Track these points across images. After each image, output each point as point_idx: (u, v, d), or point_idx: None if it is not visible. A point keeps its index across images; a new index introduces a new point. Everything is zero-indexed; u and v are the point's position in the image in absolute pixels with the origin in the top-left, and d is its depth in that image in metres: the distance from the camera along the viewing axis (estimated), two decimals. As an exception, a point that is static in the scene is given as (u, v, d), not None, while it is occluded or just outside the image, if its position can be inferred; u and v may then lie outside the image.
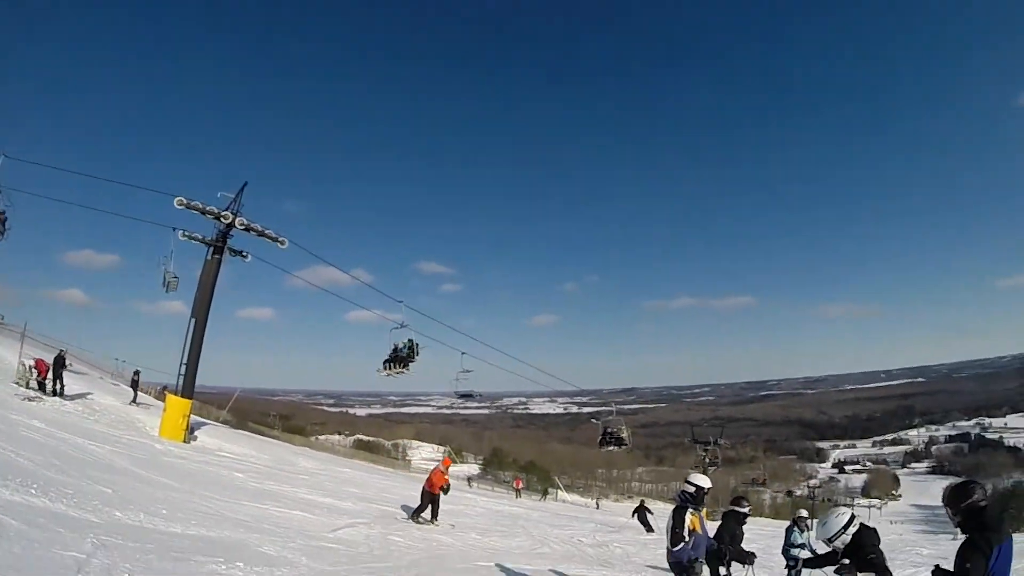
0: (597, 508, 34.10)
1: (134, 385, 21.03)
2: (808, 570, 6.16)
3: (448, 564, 8.03)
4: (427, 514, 10.82)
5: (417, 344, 18.99)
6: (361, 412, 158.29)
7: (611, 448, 23.84)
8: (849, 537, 4.14)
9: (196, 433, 17.22)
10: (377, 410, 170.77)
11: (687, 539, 4.67)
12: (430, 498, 10.68)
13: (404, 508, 11.85)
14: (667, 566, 4.88)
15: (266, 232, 18.61)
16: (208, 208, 17.69)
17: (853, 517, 4.26)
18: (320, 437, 55.25)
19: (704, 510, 5.02)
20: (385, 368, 19.50)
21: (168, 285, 17.34)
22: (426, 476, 11.42)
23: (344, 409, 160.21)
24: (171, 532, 6.31)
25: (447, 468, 11.30)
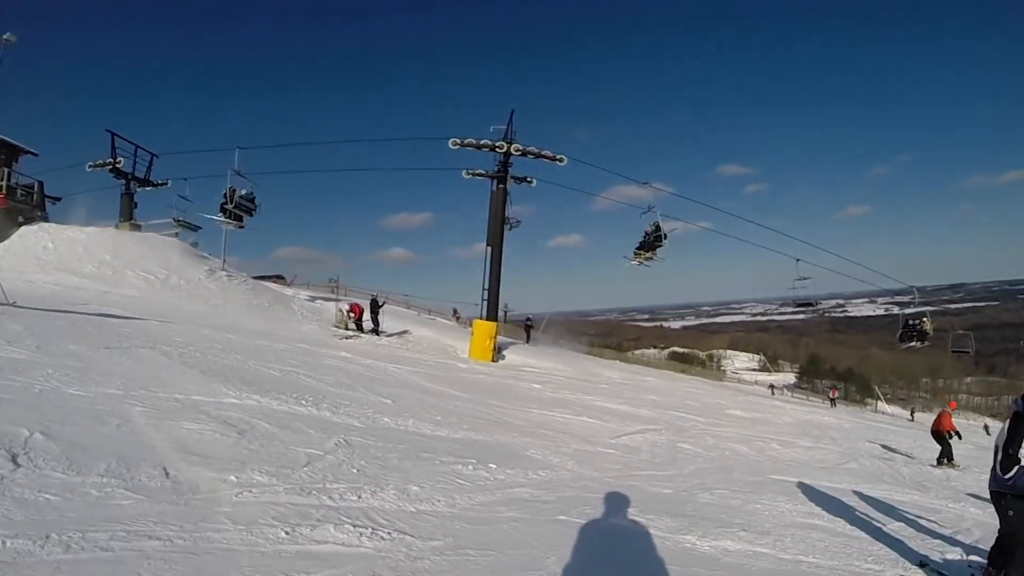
0: (911, 419, 31.38)
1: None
2: None
3: (734, 476, 7.02)
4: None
5: (664, 229, 18.55)
6: (675, 325, 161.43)
7: (913, 344, 21.20)
8: None
9: (504, 353, 18.95)
10: (691, 321, 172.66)
11: (1022, 462, 3.46)
12: (939, 439, 10.96)
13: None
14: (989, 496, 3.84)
15: (543, 153, 19.27)
16: (483, 142, 19.07)
17: None
18: (635, 352, 57.48)
19: None
20: (635, 256, 19.50)
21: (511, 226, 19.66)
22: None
23: (659, 323, 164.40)
24: (434, 435, 6.15)
25: (952, 411, 11.62)
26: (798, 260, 20.32)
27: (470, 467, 4.94)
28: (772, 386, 40.37)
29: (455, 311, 27.43)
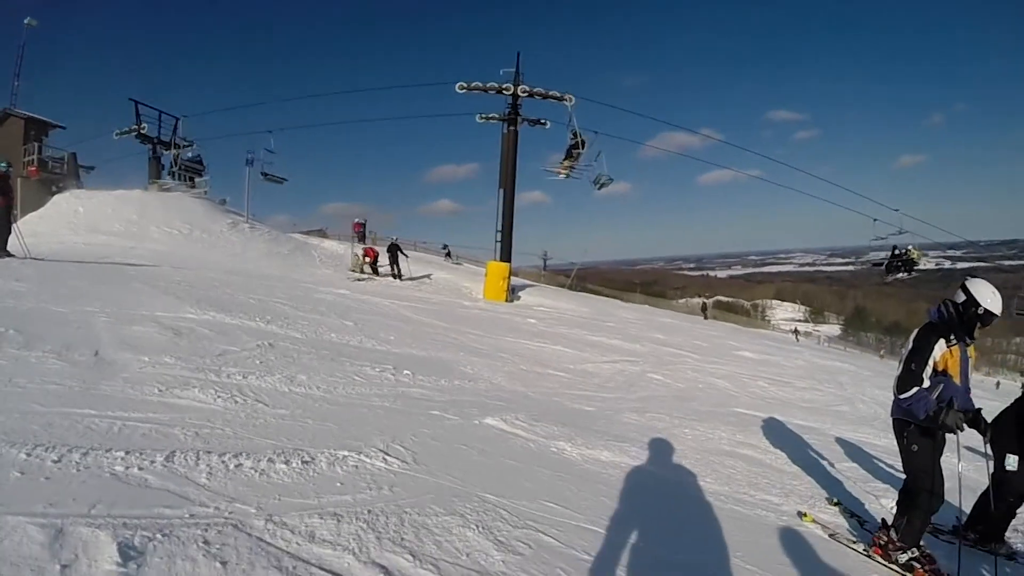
0: None
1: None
2: None
3: (688, 405, 7.40)
4: None
5: (582, 136, 19.97)
6: (722, 274, 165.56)
7: (900, 275, 22.03)
8: None
9: (519, 294, 20.00)
10: (738, 271, 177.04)
11: (925, 382, 3.22)
12: None
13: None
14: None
15: (550, 94, 20.48)
16: (489, 85, 20.09)
17: None
18: (680, 300, 57.43)
19: (972, 348, 3.44)
20: (561, 168, 21.03)
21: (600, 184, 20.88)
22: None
23: (705, 272, 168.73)
24: (373, 349, 7.33)
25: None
26: (875, 220, 22.23)
27: (379, 370, 6.04)
28: (796, 331, 39.42)
29: (445, 247, 29.64)
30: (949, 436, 3.32)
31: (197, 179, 22.85)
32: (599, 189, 21.11)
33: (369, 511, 2.77)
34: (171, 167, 22.19)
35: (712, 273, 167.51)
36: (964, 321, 3.31)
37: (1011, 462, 3.80)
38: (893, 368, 4.05)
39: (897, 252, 21.95)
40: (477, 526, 2.84)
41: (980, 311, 3.26)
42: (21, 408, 3.26)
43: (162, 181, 22.30)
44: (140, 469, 2.76)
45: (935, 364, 3.24)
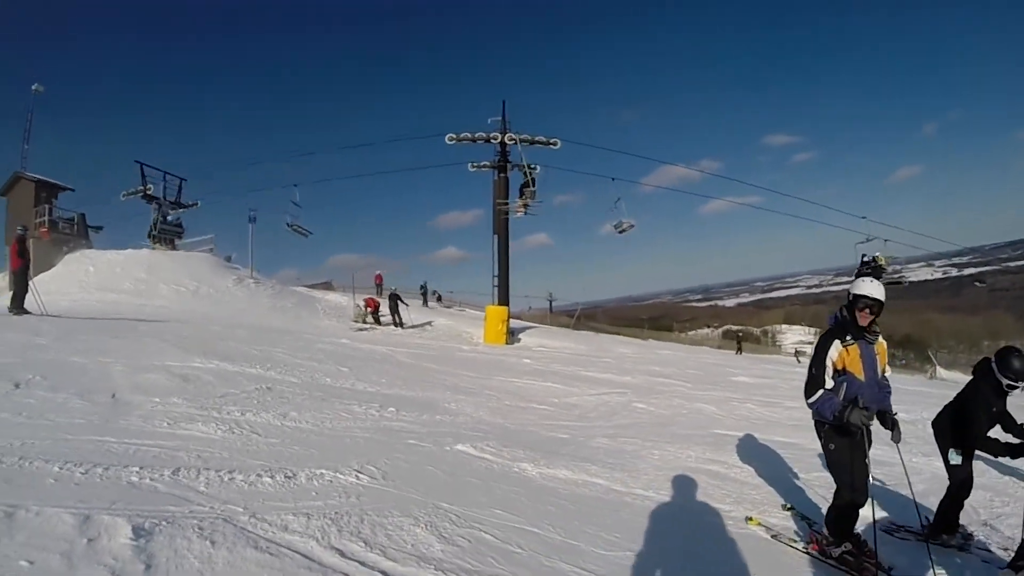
0: (930, 378, 29.90)
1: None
2: None
3: (666, 430, 7.73)
4: None
5: (532, 174, 21.11)
6: (730, 303, 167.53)
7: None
8: None
9: (520, 336, 20.68)
10: (745, 298, 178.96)
11: (827, 385, 3.49)
12: None
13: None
14: None
15: (536, 139, 21.96)
16: (477, 135, 21.54)
17: None
18: (689, 332, 57.46)
19: (880, 342, 3.64)
20: (519, 207, 21.46)
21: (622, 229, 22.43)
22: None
23: (713, 302, 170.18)
24: (363, 391, 8.02)
25: None
26: (863, 217, 23.30)
27: (366, 408, 6.72)
28: (797, 352, 39.66)
29: (423, 287, 30.40)
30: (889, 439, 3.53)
31: (177, 241, 24.58)
32: (620, 234, 22.47)
33: (336, 512, 3.43)
34: (151, 230, 23.70)
35: (720, 302, 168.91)
36: (853, 318, 3.53)
37: (953, 457, 4.17)
38: (905, 381, 4.53)
39: (865, 260, 22.56)
40: (426, 525, 3.47)
41: (851, 298, 3.53)
42: (53, 436, 4.01)
43: (142, 243, 23.78)
44: (151, 480, 3.48)
45: (834, 364, 3.49)
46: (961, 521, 4.23)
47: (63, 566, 2.35)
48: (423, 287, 30.67)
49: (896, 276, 23.19)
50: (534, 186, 21.13)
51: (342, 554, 2.93)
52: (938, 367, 32.60)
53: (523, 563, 3.19)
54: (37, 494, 3.00)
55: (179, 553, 2.63)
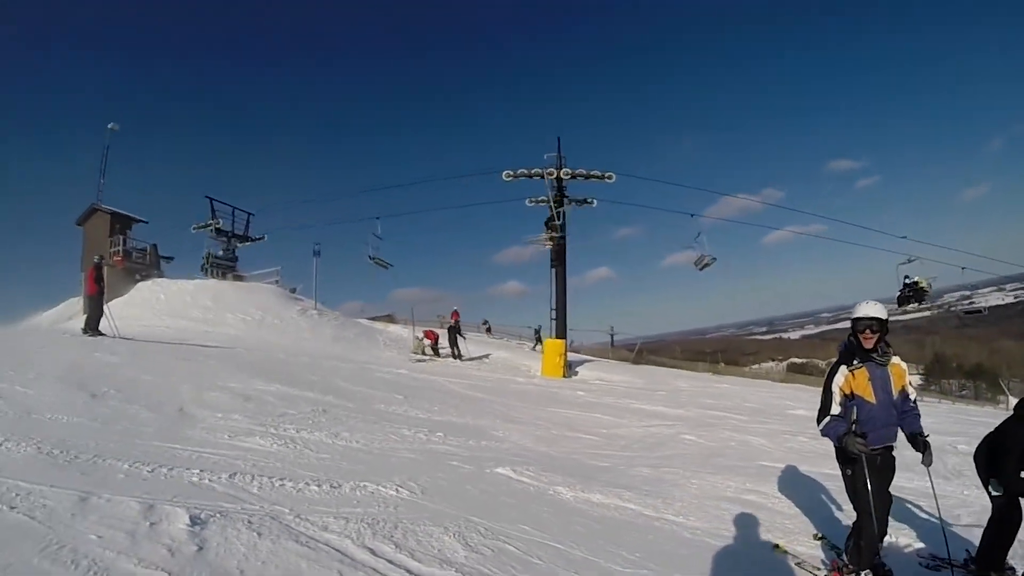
0: (1003, 409, 26.33)
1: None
2: None
3: (711, 461, 7.56)
4: None
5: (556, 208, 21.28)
6: (794, 335, 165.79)
7: (913, 305, 22.07)
8: None
9: (577, 369, 20.57)
10: (810, 330, 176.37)
11: (835, 411, 3.57)
12: None
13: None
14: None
15: (592, 174, 22.23)
16: (534, 172, 22.06)
17: None
18: (753, 366, 54.97)
19: (896, 363, 3.67)
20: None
21: (704, 265, 22.52)
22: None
23: (778, 335, 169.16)
24: (416, 416, 8.33)
25: None
26: (904, 237, 22.11)
27: (415, 432, 7.01)
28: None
29: (485, 323, 31.18)
30: (919, 462, 3.55)
31: (238, 272, 26.18)
32: (701, 270, 22.39)
33: (372, 519, 3.67)
34: (203, 263, 25.16)
35: (785, 335, 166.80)
36: (858, 341, 3.58)
37: (995, 487, 3.94)
38: (972, 412, 4.42)
39: (908, 282, 21.44)
40: (454, 535, 3.65)
41: (852, 322, 3.61)
42: (124, 440, 4.50)
43: (195, 275, 25.20)
44: (210, 481, 3.84)
45: (841, 390, 3.57)
46: (1010, 561, 3.97)
47: (127, 542, 2.69)
48: (486, 322, 31.96)
49: (970, 304, 21.71)
50: (559, 219, 21.33)
51: (373, 552, 3.15)
52: (1010, 397, 29.93)
53: (541, 573, 3.31)
54: (108, 485, 3.40)
55: (228, 540, 2.93)
